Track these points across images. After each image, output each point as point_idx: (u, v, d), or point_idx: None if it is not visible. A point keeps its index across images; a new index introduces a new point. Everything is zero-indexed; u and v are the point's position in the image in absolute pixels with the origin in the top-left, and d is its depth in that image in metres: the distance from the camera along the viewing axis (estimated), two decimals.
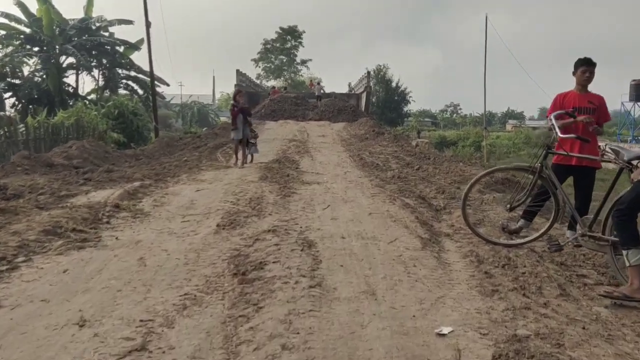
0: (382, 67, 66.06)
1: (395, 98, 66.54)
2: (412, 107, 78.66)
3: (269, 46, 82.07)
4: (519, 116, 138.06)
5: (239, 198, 7.08)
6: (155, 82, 29.03)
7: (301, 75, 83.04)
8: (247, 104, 11.10)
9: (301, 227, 5.43)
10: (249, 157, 11.35)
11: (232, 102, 11.37)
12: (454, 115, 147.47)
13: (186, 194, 7.48)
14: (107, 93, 27.61)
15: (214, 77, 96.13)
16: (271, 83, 76.29)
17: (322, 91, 36.56)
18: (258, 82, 72.97)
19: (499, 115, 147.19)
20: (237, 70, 38.38)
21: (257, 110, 31.62)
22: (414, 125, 78.13)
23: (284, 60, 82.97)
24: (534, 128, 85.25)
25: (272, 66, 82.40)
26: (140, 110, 22.21)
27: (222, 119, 54.66)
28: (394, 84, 65.59)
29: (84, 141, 12.22)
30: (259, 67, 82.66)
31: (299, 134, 21.62)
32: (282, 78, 69.59)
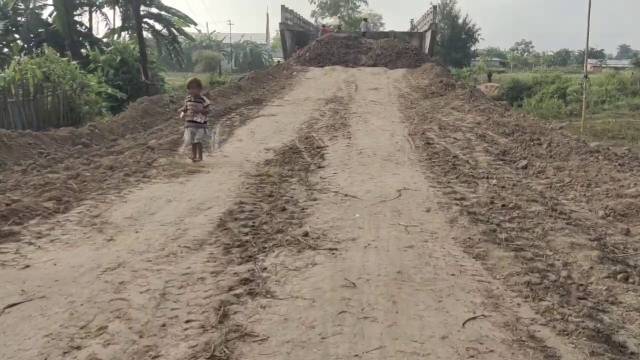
0: (448, 1, 58.39)
1: (462, 36, 59.37)
2: (480, 45, 70.66)
3: None
4: (599, 55, 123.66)
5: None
6: (180, 20, 24.78)
7: (359, 12, 76.52)
8: (205, 95, 6.04)
9: None
10: (211, 147, 7.18)
11: (187, 97, 6.91)
12: (525, 54, 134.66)
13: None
14: (126, 34, 23.56)
15: (267, 14, 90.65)
16: (326, 21, 70.43)
17: (368, 28, 32.02)
18: (313, 20, 67.47)
19: (576, 53, 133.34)
20: (282, 6, 33.35)
21: (302, 55, 26.81)
22: (481, 67, 70.25)
23: None
24: (616, 68, 74.64)
25: (328, 2, 76.44)
26: (152, 56, 18.00)
27: (276, 59, 50.12)
28: (460, 21, 58.16)
29: None
30: (314, 3, 76.87)
31: (344, 87, 16.83)
32: (337, 15, 63.36)
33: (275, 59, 49.63)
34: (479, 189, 5.62)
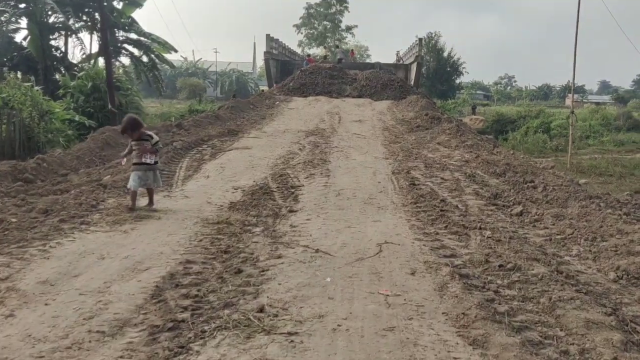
0: (433, 34, 59.15)
1: (447, 69, 59.98)
2: (464, 79, 71.49)
3: (312, 11, 76.86)
4: (580, 90, 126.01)
5: None
6: (160, 46, 24.17)
7: (346, 43, 77.26)
8: (146, 131, 4.97)
9: None
10: (161, 188, 6.10)
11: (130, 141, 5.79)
12: (509, 88, 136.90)
13: None
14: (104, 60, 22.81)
15: (254, 43, 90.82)
16: (312, 51, 70.75)
17: (344, 55, 32.81)
18: (299, 50, 67.66)
19: (558, 88, 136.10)
20: (267, 35, 33.11)
21: (285, 84, 26.33)
22: (465, 99, 70.77)
23: (328, 27, 77.61)
24: (597, 104, 75.70)
25: (315, 32, 77.28)
26: (126, 83, 17.25)
27: (262, 87, 49.74)
28: (445, 54, 58.76)
29: None
30: (301, 33, 77.56)
31: (327, 118, 16.22)
32: (324, 45, 63.73)
33: (262, 87, 49.29)
34: (471, 242, 4.88)
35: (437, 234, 5.09)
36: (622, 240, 5.03)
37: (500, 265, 4.24)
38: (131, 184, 5.53)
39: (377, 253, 4.39)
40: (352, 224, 5.36)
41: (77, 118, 13.42)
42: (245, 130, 12.39)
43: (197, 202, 5.98)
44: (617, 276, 4.37)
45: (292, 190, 6.70)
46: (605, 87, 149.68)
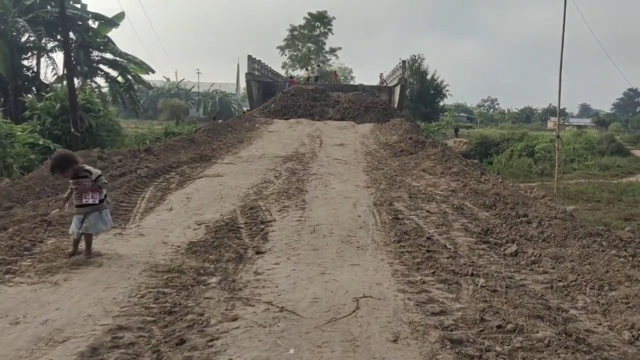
0: (417, 57, 59.49)
1: (431, 92, 60.21)
2: (447, 101, 71.95)
3: (296, 33, 77.23)
4: (561, 113, 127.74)
5: None
6: (137, 67, 23.46)
7: (330, 65, 77.53)
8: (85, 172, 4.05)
9: None
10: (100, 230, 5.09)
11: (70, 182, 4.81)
12: (491, 110, 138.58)
13: None
14: (78, 81, 22.00)
15: (238, 65, 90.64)
16: (297, 73, 70.67)
17: (321, 72, 32.77)
18: (284, 72, 67.58)
19: (539, 111, 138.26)
20: (249, 56, 32.75)
21: (267, 106, 25.80)
22: (449, 122, 71.01)
23: (312, 49, 77.97)
24: (579, 127, 76.65)
25: (299, 54, 77.51)
26: (98, 105, 16.47)
27: (245, 108, 49.20)
28: (429, 77, 59.05)
29: None
30: (285, 55, 77.71)
31: (308, 142, 15.63)
32: (307, 67, 63.70)
33: (245, 109, 48.80)
34: (463, 293, 4.22)
35: (424, 282, 4.42)
36: (633, 289, 4.42)
37: (498, 326, 3.58)
38: (72, 229, 4.67)
39: (354, 311, 3.70)
40: (326, 268, 4.68)
41: (41, 142, 12.59)
42: (219, 156, 11.70)
43: (151, 242, 5.24)
44: (633, 336, 3.75)
45: (262, 226, 6.00)
46: (585, 110, 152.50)
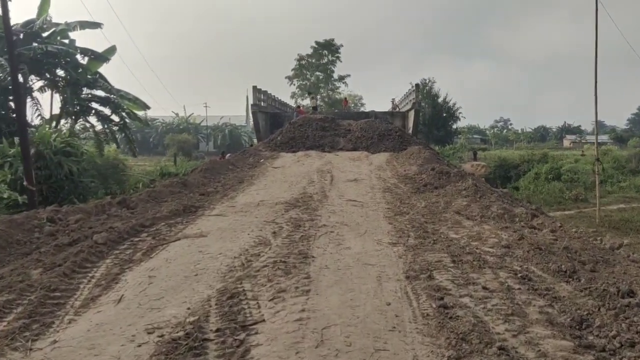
0: (427, 80, 57.88)
1: (444, 115, 58.40)
2: (460, 123, 69.90)
3: (303, 62, 76.38)
4: (577, 130, 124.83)
5: None
6: (132, 103, 21.87)
7: (339, 93, 76.33)
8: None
9: None
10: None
11: None
12: (505, 131, 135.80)
13: None
14: (66, 122, 20.39)
15: (247, 97, 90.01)
16: (306, 102, 69.38)
17: (316, 103, 33.75)
18: (292, 101, 66.32)
19: (554, 130, 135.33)
20: (254, 87, 31.18)
21: (272, 138, 24.01)
22: (463, 144, 68.75)
23: (320, 77, 76.93)
24: (600, 144, 73.77)
25: (308, 83, 76.47)
26: (79, 147, 14.70)
27: (255, 141, 47.71)
28: (441, 99, 57.39)
29: None
30: (294, 84, 76.83)
31: (317, 179, 13.65)
32: (311, 96, 62.74)
33: (255, 141, 47.25)
34: None
35: None
36: None
37: None
38: None
39: None
40: None
41: (5, 195, 10.75)
42: (208, 205, 9.72)
43: None
44: None
45: (243, 335, 3.94)
46: (600, 126, 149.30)
